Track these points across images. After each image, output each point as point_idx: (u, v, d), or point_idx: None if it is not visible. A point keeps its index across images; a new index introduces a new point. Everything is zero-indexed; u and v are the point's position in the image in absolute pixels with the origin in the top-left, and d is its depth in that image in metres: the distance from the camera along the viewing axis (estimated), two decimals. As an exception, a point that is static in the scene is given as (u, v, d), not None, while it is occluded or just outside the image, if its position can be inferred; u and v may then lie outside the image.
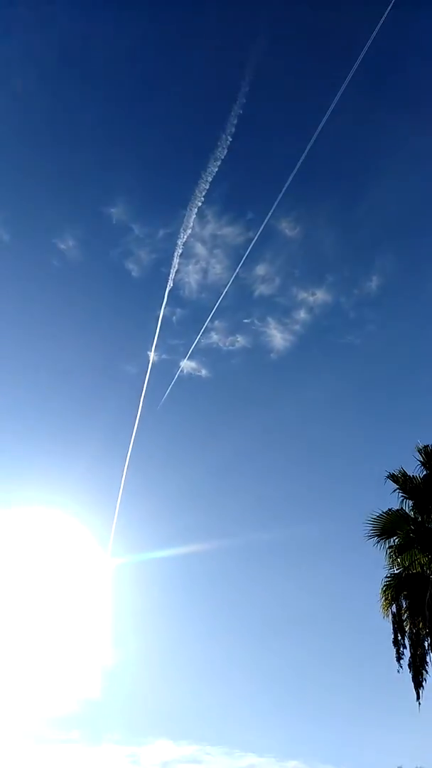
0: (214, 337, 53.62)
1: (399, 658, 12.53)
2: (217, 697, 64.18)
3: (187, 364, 51.02)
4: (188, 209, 27.38)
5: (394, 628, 12.83)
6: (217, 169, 24.34)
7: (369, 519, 13.59)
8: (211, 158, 24.43)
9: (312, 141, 23.59)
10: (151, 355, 44.51)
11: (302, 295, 53.92)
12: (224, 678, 65.40)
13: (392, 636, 12.77)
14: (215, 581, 66.36)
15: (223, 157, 24.35)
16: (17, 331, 48.74)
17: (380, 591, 13.31)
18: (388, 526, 13.51)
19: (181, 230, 31.33)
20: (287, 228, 45.44)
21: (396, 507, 13.81)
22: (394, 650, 12.65)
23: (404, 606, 13.03)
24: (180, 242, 30.62)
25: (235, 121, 24.41)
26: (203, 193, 25.46)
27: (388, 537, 13.61)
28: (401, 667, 12.52)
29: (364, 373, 53.02)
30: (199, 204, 26.60)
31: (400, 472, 14.07)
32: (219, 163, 24.17)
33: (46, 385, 56.62)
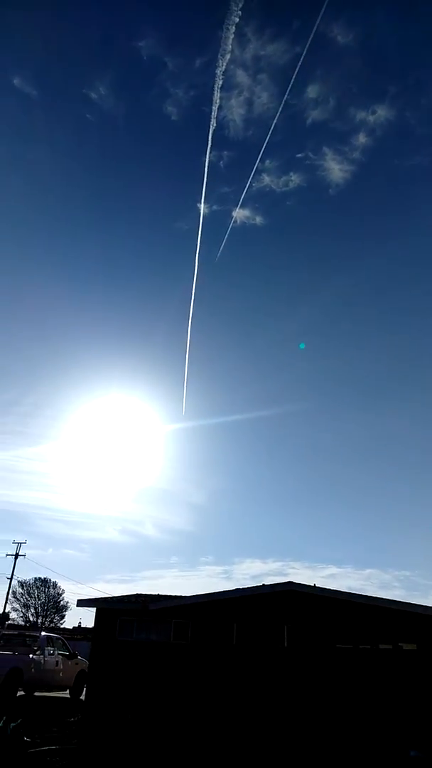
0: (266, 179, 47.83)
1: None
2: (295, 524, 70.23)
3: (240, 213, 46.47)
4: (224, 28, 23.59)
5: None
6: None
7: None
8: None
9: None
10: (201, 208, 41.15)
11: (361, 115, 46.29)
12: (300, 507, 70.84)
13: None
14: (285, 436, 68.52)
15: None
16: (49, 200, 44.97)
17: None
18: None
19: (219, 56, 27.48)
20: (340, 34, 37.84)
21: None
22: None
23: None
24: (219, 71, 27.09)
25: None
26: (240, 4, 21.61)
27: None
28: None
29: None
30: (237, 19, 22.80)
31: None
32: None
33: (86, 269, 53.58)
